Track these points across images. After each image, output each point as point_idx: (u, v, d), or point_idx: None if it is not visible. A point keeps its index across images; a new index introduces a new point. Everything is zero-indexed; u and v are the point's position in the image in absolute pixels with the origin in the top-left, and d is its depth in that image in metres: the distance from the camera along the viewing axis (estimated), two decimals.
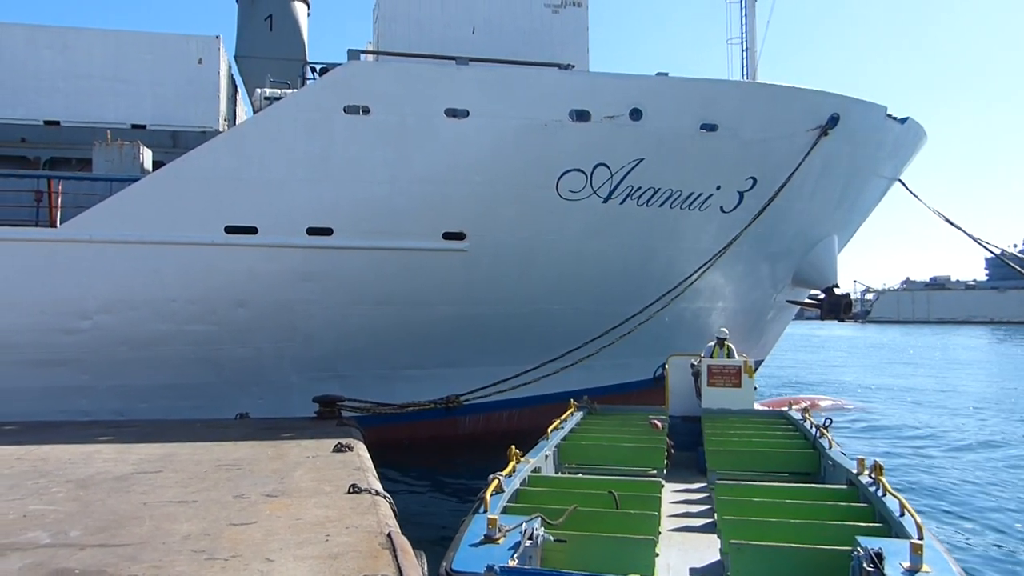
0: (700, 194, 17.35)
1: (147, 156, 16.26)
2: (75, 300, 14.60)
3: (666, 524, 8.47)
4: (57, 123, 17.44)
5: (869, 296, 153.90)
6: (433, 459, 16.76)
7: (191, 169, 14.95)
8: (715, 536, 8.15)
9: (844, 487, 8.83)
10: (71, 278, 14.57)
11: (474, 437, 17.71)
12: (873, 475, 8.27)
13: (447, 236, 16.10)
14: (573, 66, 17.33)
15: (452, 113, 15.69)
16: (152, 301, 14.83)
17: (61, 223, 14.79)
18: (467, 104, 15.75)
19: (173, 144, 17.27)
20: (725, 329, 15.93)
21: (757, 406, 15.75)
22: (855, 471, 8.84)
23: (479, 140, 15.83)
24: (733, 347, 15.53)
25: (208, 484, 9.01)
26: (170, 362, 15.11)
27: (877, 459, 8.57)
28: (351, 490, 8.58)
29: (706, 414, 14.02)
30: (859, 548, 5.88)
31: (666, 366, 15.50)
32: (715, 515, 8.51)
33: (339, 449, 11.12)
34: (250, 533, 7.02)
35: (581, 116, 16.18)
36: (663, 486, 9.04)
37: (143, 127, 17.53)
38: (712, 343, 15.55)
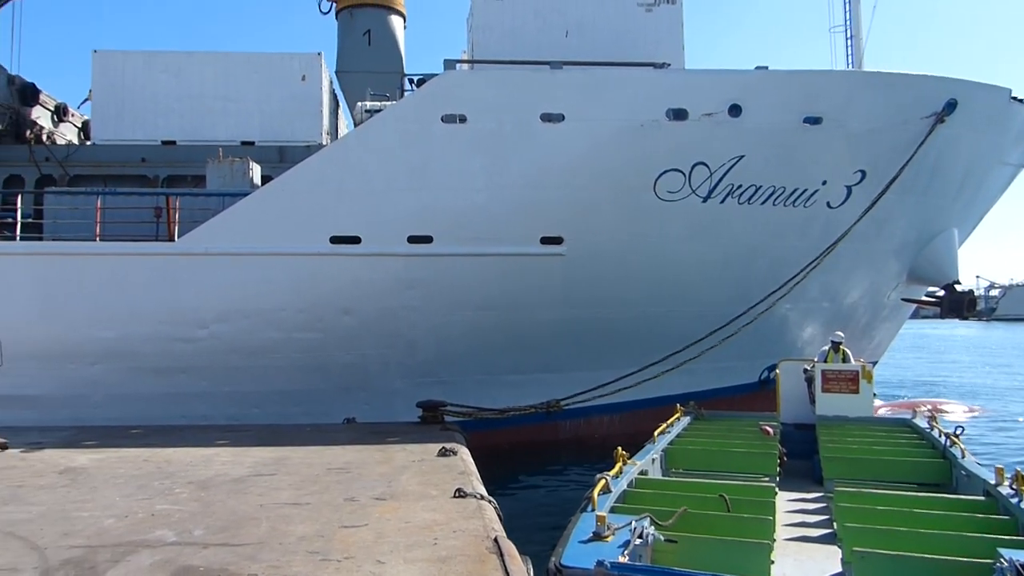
0: (805, 190, 16.74)
1: (256, 171, 16.96)
2: (193, 310, 15.35)
3: (781, 531, 8.15)
4: (173, 143, 18.41)
5: (994, 292, 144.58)
6: (534, 464, 16.76)
7: (297, 182, 15.50)
8: (834, 546, 7.79)
9: (981, 498, 8.26)
10: (189, 289, 15.33)
11: (575, 442, 17.61)
12: (1016, 486, 7.72)
13: (545, 241, 16.10)
14: (668, 64, 17.05)
15: (548, 118, 15.69)
16: (263, 310, 15.43)
17: (179, 237, 15.58)
18: (562, 108, 15.72)
19: (280, 159, 17.94)
20: (840, 333, 15.20)
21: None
22: (993, 481, 8.27)
23: (575, 143, 15.77)
24: (849, 352, 14.84)
25: (320, 487, 9.29)
26: (281, 369, 15.67)
27: (1020, 469, 8.00)
28: (457, 494, 8.67)
29: (821, 421, 13.43)
30: (1002, 560, 5.47)
31: (777, 371, 14.97)
32: (833, 524, 8.13)
33: (443, 453, 11.28)
34: (361, 535, 7.19)
35: (678, 115, 15.90)
36: (777, 492, 8.73)
37: (252, 143, 18.29)
38: (826, 347, 14.89)
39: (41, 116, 20.56)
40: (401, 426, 14.42)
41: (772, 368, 17.75)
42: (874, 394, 14.53)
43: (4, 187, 18.10)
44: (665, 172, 16.02)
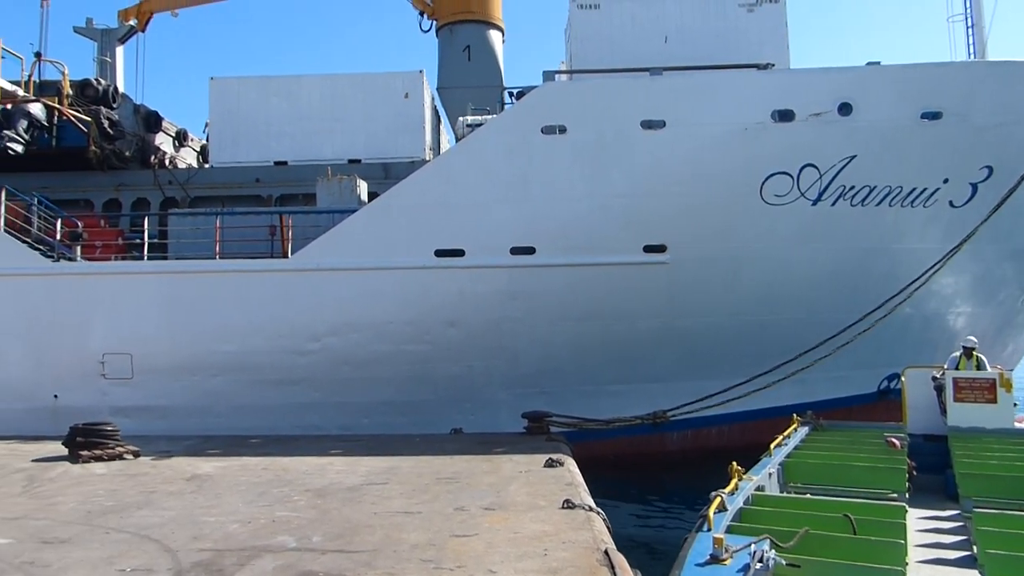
0: (924, 189, 15.91)
1: (363, 188, 17.47)
2: (307, 324, 15.92)
3: (912, 554, 7.65)
4: (285, 163, 19.19)
5: None
6: (641, 476, 16.51)
7: (402, 198, 15.89)
8: (974, 572, 7.28)
9: None
10: (302, 304, 15.92)
11: (682, 454, 17.24)
12: None
13: (648, 249, 15.90)
14: (773, 65, 16.57)
15: (648, 125, 15.53)
16: (372, 323, 15.85)
17: (292, 254, 16.22)
18: (663, 115, 15.53)
19: (385, 175, 18.42)
20: (973, 338, 14.20)
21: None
22: None
23: (677, 150, 15.54)
24: (984, 358, 13.87)
25: (430, 496, 9.42)
26: (389, 380, 16.04)
27: None
28: (565, 505, 8.62)
29: (953, 432, 12.58)
30: None
31: (902, 379, 14.19)
32: (973, 548, 7.59)
33: (550, 464, 11.25)
34: (472, 545, 7.24)
35: (784, 116, 15.43)
36: (907, 511, 8.23)
37: (358, 161, 18.86)
38: (958, 353, 13.93)
39: (164, 142, 21.86)
40: (507, 436, 14.48)
41: (892, 377, 16.90)
42: (1015, 404, 13.51)
43: (132, 210, 19.31)
44: (772, 175, 15.57)
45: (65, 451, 12.70)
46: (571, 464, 11.48)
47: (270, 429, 15.72)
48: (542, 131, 15.63)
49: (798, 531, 6.75)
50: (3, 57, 18.62)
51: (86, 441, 12.58)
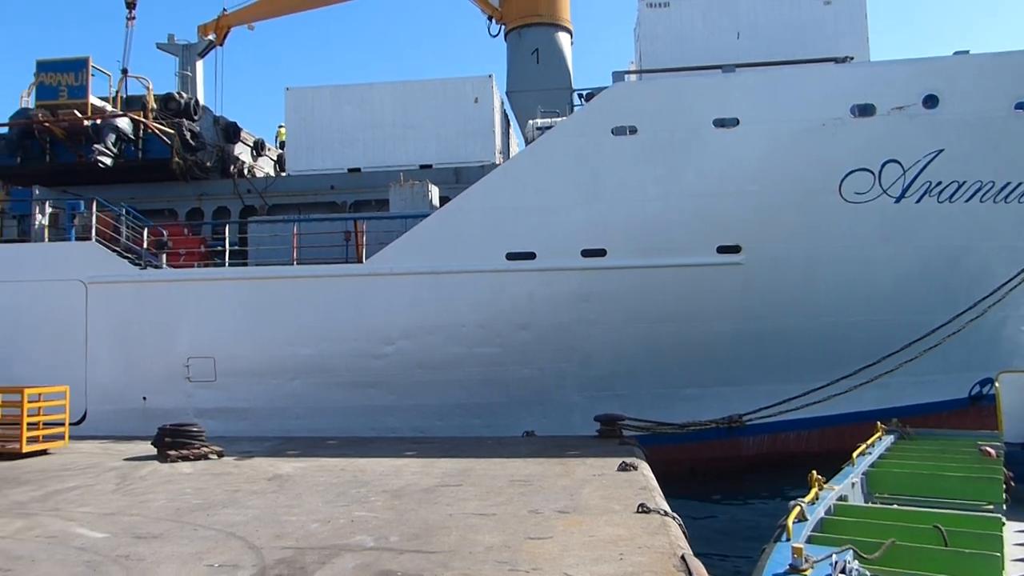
0: (1019, 184, 15.20)
1: (434, 193, 17.68)
2: (381, 328, 16.19)
3: (1010, 569, 7.27)
4: (358, 170, 19.59)
5: None
6: (717, 481, 16.22)
7: (473, 202, 16.01)
8: None
9: None
10: (377, 308, 16.20)
11: (759, 459, 16.85)
12: None
13: (722, 250, 15.62)
14: (851, 58, 16.08)
15: (721, 123, 15.27)
16: (445, 326, 16.01)
17: (366, 259, 16.52)
18: (736, 112, 15.24)
19: (456, 180, 18.61)
20: None
21: None
22: None
23: (751, 148, 15.23)
24: None
25: (504, 498, 9.44)
26: (462, 383, 16.17)
27: None
28: (640, 509, 8.52)
29: None
30: None
31: (996, 384, 13.52)
32: None
33: (624, 468, 11.14)
34: (547, 547, 7.22)
35: (864, 111, 14.96)
36: (1004, 523, 7.82)
37: (429, 166, 19.11)
38: None
39: (242, 152, 22.58)
40: (579, 440, 14.42)
41: (985, 382, 16.16)
42: None
43: (213, 218, 20.00)
44: (851, 172, 15.11)
45: (154, 451, 13.22)
46: (645, 468, 11.35)
47: (346, 431, 16.04)
48: (612, 132, 15.54)
49: (884, 542, 6.49)
50: (93, 75, 19.50)
51: (173, 441, 13.06)
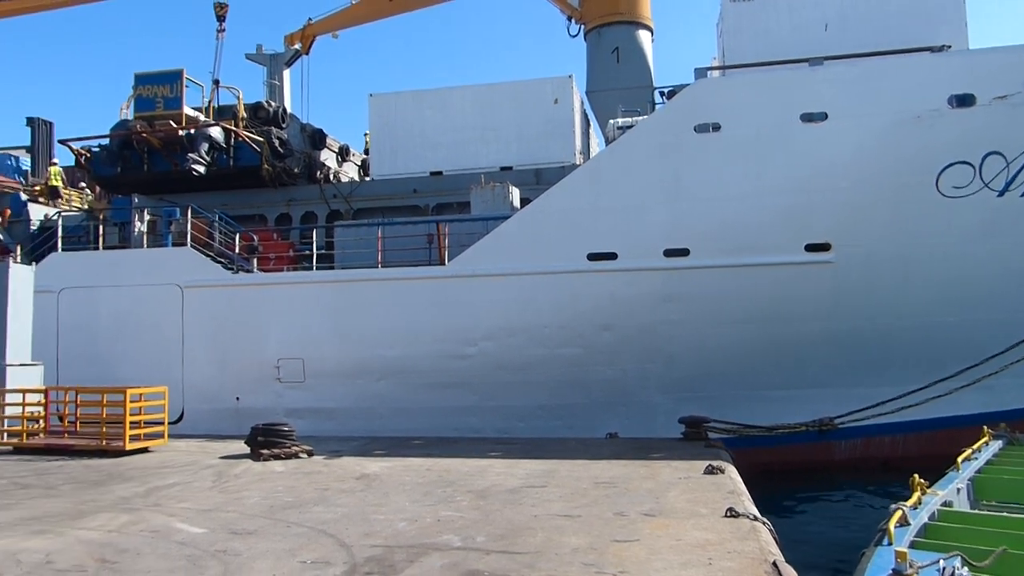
0: None
1: (515, 194, 17.75)
2: (464, 329, 16.35)
3: None
4: (440, 173, 19.83)
5: None
6: (807, 485, 15.72)
7: (554, 203, 16.01)
8: None
9: None
10: (460, 309, 16.38)
11: (852, 464, 16.27)
12: None
13: (810, 248, 15.17)
14: (949, 46, 15.37)
15: (809, 118, 14.84)
16: (527, 328, 16.05)
17: (449, 261, 16.71)
18: (825, 106, 14.78)
19: (536, 181, 18.63)
20: None
21: None
22: None
23: (841, 143, 14.74)
24: None
25: (589, 500, 9.39)
26: (544, 384, 16.17)
27: None
28: (728, 514, 8.34)
29: None
30: None
31: None
32: None
33: (710, 471, 10.93)
34: (634, 551, 7.13)
35: (963, 101, 14.29)
36: None
37: (510, 168, 19.19)
38: None
39: (328, 158, 23.16)
40: (664, 442, 14.24)
41: None
42: None
43: (301, 223, 20.57)
44: (949, 166, 14.46)
45: (247, 449, 13.67)
46: (732, 471, 11.11)
47: (430, 431, 16.26)
48: (695, 130, 15.29)
49: (994, 550, 6.17)
50: (187, 86, 20.34)
51: (266, 440, 13.49)
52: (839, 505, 14.65)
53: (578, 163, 18.58)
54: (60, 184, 23.46)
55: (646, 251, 15.58)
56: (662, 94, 18.73)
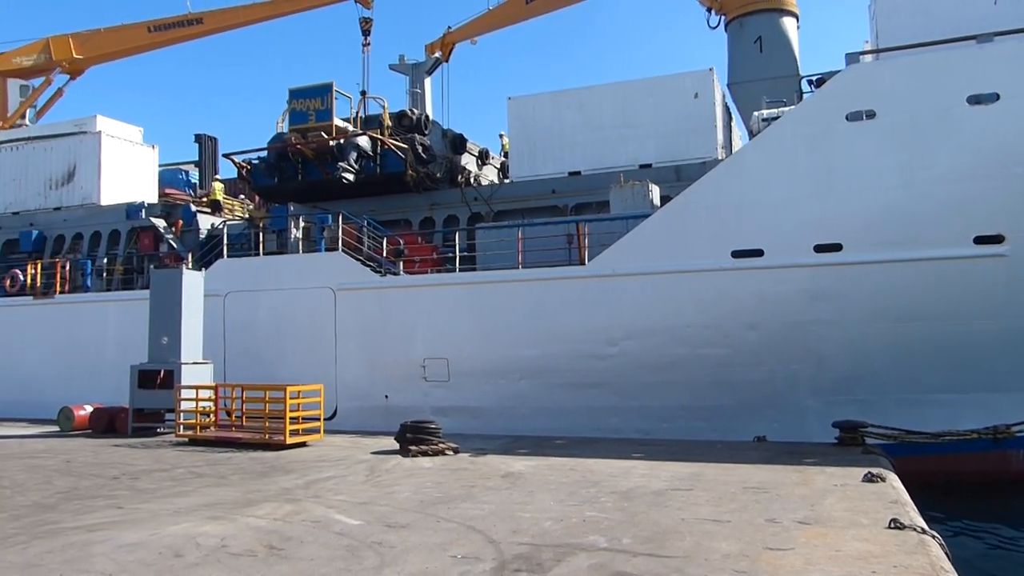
0: None
1: (655, 192, 17.47)
2: (604, 329, 16.26)
3: None
4: (579, 173, 19.81)
5: None
6: (979, 498, 14.58)
7: (696, 199, 15.64)
8: None
9: None
10: (600, 309, 16.30)
11: None
12: None
13: (980, 240, 14.04)
14: None
15: (977, 100, 13.75)
16: (669, 327, 15.76)
17: (588, 261, 16.66)
18: (996, 86, 13.64)
19: (677, 178, 18.26)
20: None
21: None
22: None
23: (1015, 125, 13.54)
24: None
25: (738, 505, 9.09)
26: (687, 385, 15.82)
27: None
28: (892, 525, 7.84)
29: None
30: None
31: None
32: None
33: (870, 479, 10.33)
34: (789, 560, 6.84)
35: None
36: None
37: (649, 166, 18.91)
38: None
39: (469, 162, 23.67)
40: (816, 447, 13.59)
41: None
42: None
43: (444, 226, 21.13)
44: None
45: (396, 446, 14.18)
46: (894, 480, 10.45)
47: (572, 431, 16.28)
48: (847, 118, 14.51)
49: None
50: (336, 98, 21.35)
51: (414, 437, 13.94)
52: (1018, 520, 13.49)
53: (720, 158, 18.05)
54: (221, 198, 25.36)
55: (794, 247, 14.94)
56: (810, 83, 17.90)
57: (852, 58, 15.50)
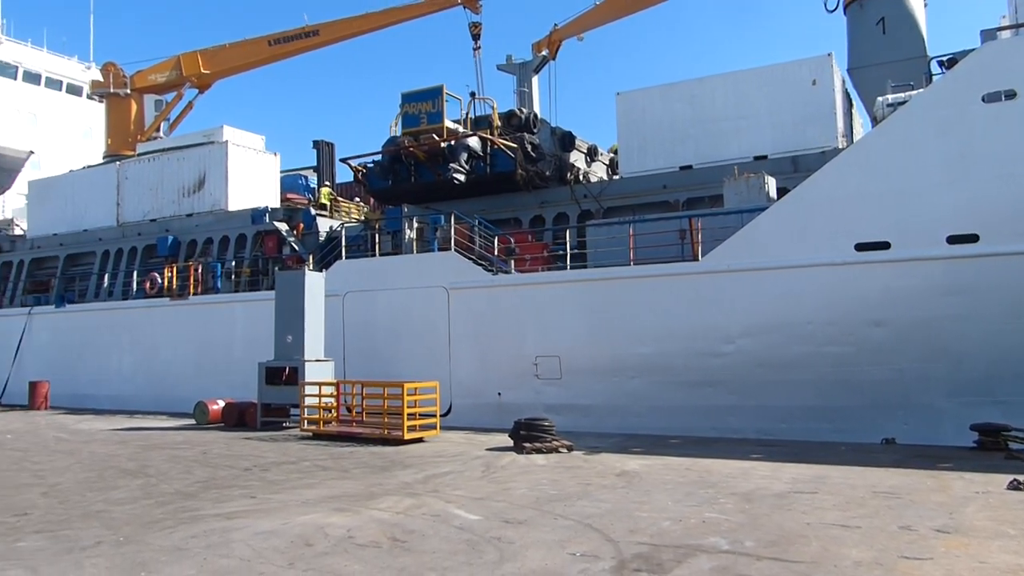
0: None
1: (771, 184, 16.90)
2: (719, 326, 15.87)
3: None
4: (690, 167, 19.40)
5: None
6: None
7: (816, 191, 15.02)
8: None
9: None
10: (715, 306, 15.91)
11: None
12: None
13: None
14: None
15: None
16: (788, 324, 15.21)
17: (702, 256, 16.30)
18: None
19: (794, 169, 17.62)
20: None
21: None
22: None
23: None
24: None
25: (868, 511, 8.69)
26: (808, 384, 15.21)
27: None
28: None
29: None
30: None
31: None
32: None
33: (1016, 486, 9.67)
34: (927, 570, 6.49)
35: None
36: None
37: (764, 157, 18.31)
38: None
39: (577, 159, 23.59)
40: (952, 451, 12.84)
41: None
42: None
43: (553, 224, 21.14)
44: None
45: (510, 442, 14.31)
46: None
47: (687, 430, 15.98)
48: (983, 99, 13.61)
49: None
50: (447, 101, 21.73)
51: (528, 435, 14.03)
52: None
53: (841, 147, 17.28)
54: (328, 203, 26.35)
55: (925, 238, 14.12)
56: (940, 64, 16.88)
57: (988, 35, 14.51)
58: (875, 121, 16.25)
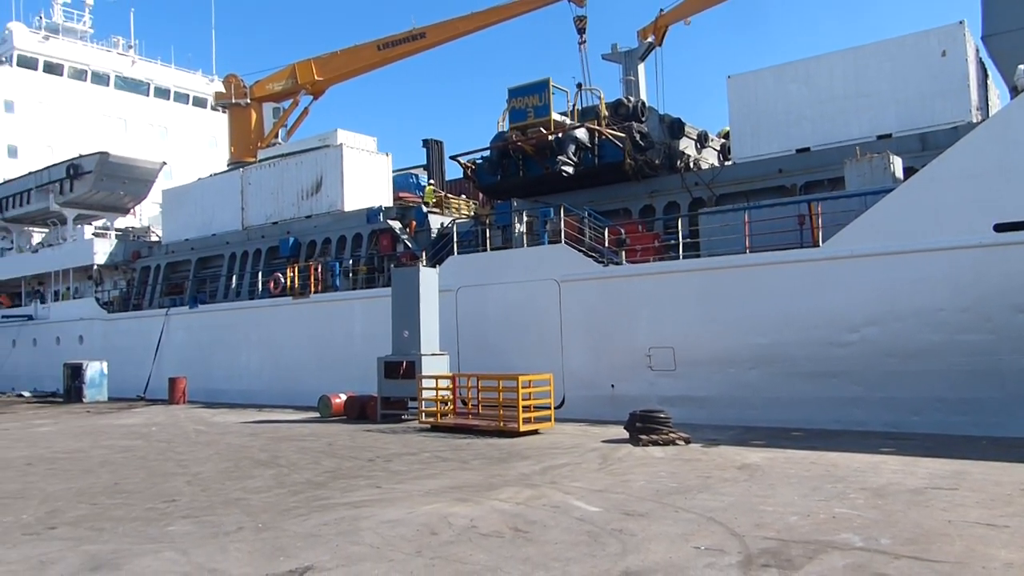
0: None
1: (897, 164, 16.04)
2: (842, 314, 15.20)
3: None
4: (807, 149, 18.65)
5: None
6: None
7: (948, 169, 14.13)
8: None
9: None
10: (837, 293, 15.25)
11: None
12: None
13: None
14: None
15: None
16: (918, 311, 14.41)
17: (823, 242, 15.65)
18: None
19: (922, 147, 16.65)
20: None
21: None
22: None
23: None
24: None
25: (1016, 509, 8.15)
26: (942, 374, 14.36)
27: None
28: None
29: None
30: None
31: None
32: None
33: None
34: None
35: None
36: None
37: (889, 136, 17.41)
38: None
39: (687, 146, 23.11)
40: None
41: None
42: None
43: (664, 213, 20.79)
44: None
45: (626, 434, 14.20)
46: None
47: (808, 422, 15.43)
48: None
49: None
50: (553, 93, 21.69)
51: (643, 427, 13.88)
52: None
53: (976, 121, 16.20)
54: (431, 200, 26.85)
55: None
56: None
57: None
58: (1015, 91, 15.10)
